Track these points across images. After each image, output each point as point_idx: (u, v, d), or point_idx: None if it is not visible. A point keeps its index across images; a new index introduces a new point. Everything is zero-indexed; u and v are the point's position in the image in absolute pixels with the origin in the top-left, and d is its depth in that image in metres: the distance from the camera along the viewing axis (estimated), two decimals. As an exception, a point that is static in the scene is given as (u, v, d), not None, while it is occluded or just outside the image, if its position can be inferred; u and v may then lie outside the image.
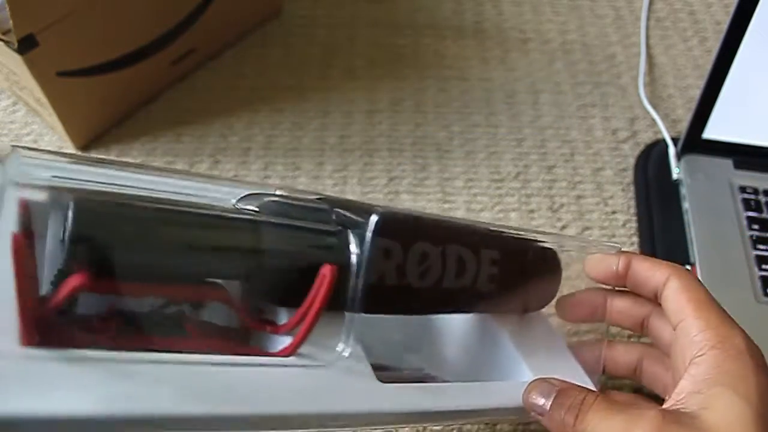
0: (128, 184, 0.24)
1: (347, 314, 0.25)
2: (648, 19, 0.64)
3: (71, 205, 0.20)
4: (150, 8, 0.49)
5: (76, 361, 0.19)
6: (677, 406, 0.25)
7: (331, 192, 0.49)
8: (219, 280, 0.24)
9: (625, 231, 0.48)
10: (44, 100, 0.47)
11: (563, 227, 0.48)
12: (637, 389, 0.38)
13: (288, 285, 0.25)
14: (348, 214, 0.26)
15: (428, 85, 0.58)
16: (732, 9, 0.43)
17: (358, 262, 0.24)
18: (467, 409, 0.27)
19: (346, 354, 0.24)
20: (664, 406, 0.26)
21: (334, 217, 0.26)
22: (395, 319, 0.30)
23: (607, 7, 0.66)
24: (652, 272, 0.30)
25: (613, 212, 0.49)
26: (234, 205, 0.26)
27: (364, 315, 0.24)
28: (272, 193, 0.27)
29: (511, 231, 0.31)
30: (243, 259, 0.24)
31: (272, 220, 0.25)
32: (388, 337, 0.32)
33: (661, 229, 0.46)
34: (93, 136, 0.52)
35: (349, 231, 0.25)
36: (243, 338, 0.25)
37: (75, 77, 0.47)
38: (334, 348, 0.24)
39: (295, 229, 0.25)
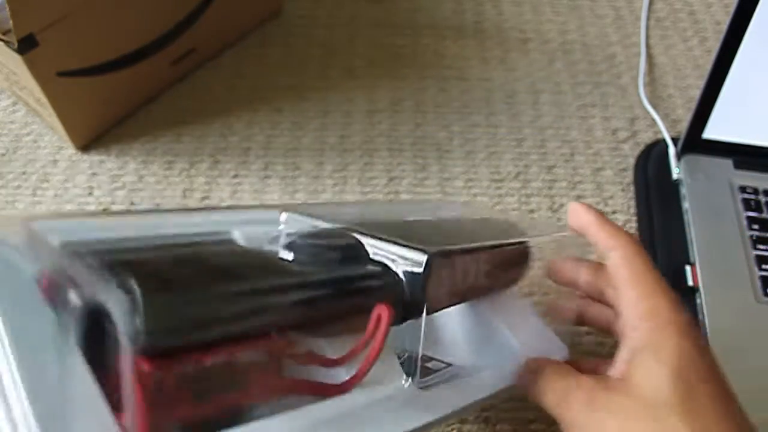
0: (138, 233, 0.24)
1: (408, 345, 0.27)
2: (648, 19, 0.64)
3: (138, 293, 0.18)
4: (150, 8, 0.49)
5: None
6: (613, 373, 0.28)
7: (331, 192, 0.49)
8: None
9: (625, 231, 0.48)
10: (44, 100, 0.47)
11: (563, 227, 0.48)
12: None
13: (336, 321, 0.26)
14: (385, 249, 0.27)
15: (428, 85, 0.58)
16: (732, 9, 0.43)
17: (412, 298, 0.26)
18: (490, 394, 0.30)
19: (406, 385, 0.26)
20: (608, 373, 0.28)
21: (366, 252, 0.27)
22: None
23: (607, 7, 0.66)
24: (603, 244, 0.31)
25: (613, 212, 0.49)
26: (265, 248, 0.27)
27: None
28: (298, 234, 0.27)
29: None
30: (295, 306, 0.24)
31: (317, 273, 0.25)
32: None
33: (661, 229, 0.46)
34: (93, 136, 0.52)
35: (398, 271, 0.27)
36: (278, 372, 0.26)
37: (75, 77, 0.47)
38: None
39: (342, 279, 0.26)
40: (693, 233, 0.44)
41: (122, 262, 0.19)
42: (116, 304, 0.18)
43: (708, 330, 0.39)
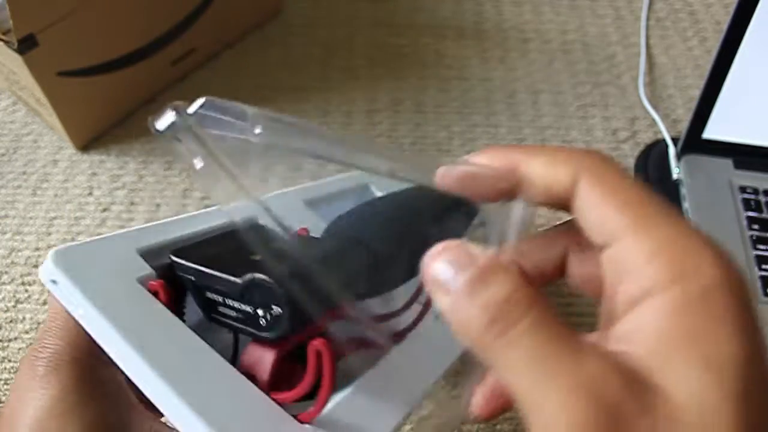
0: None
1: None
2: (648, 19, 0.64)
3: (271, 284, 0.21)
4: (150, 8, 0.49)
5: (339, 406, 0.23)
6: (627, 363, 0.16)
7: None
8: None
9: (625, 231, 0.48)
10: (44, 100, 0.47)
11: (563, 227, 0.48)
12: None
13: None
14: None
15: (428, 85, 0.58)
16: (732, 9, 0.43)
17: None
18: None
19: None
20: (604, 351, 0.16)
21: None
22: None
23: (607, 7, 0.66)
24: (552, 175, 0.19)
25: (613, 212, 0.49)
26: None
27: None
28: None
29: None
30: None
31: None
32: None
33: (661, 229, 0.46)
34: (93, 136, 0.52)
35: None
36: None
37: (75, 77, 0.47)
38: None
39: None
40: (693, 233, 0.44)
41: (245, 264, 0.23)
42: (248, 301, 0.22)
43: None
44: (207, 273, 0.23)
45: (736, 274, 0.16)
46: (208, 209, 0.29)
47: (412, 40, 0.61)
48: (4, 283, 0.44)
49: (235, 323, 0.23)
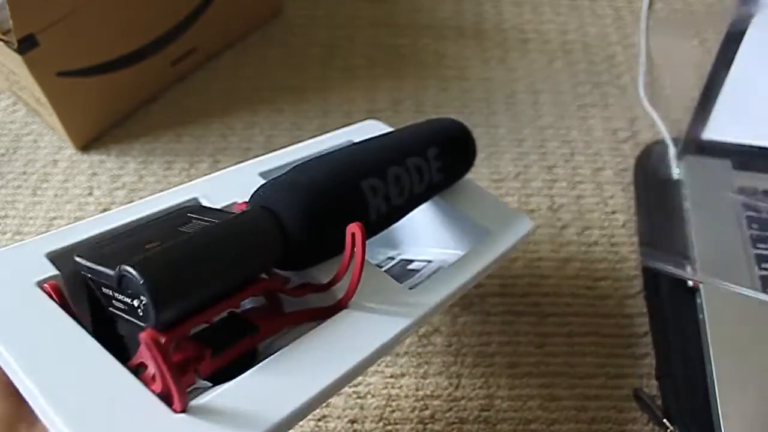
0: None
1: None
2: (648, 19, 0.64)
3: (134, 270, 0.21)
4: (150, 8, 0.49)
5: (229, 391, 0.22)
6: None
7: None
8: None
9: (625, 231, 0.48)
10: (44, 100, 0.47)
11: (563, 227, 0.48)
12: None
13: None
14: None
15: (428, 85, 0.58)
16: (732, 9, 0.43)
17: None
18: (472, 276, 0.31)
19: (394, 289, 0.29)
20: None
21: None
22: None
23: (607, 7, 0.66)
24: None
25: (613, 212, 0.49)
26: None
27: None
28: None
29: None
30: (266, 247, 0.26)
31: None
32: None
33: (661, 229, 0.46)
34: (93, 136, 0.52)
35: None
36: (280, 308, 0.28)
37: (75, 77, 0.47)
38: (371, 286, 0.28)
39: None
40: (693, 233, 0.44)
41: (115, 257, 0.23)
42: (125, 292, 0.22)
43: (708, 330, 0.39)
44: (94, 269, 0.23)
45: None
46: (133, 203, 0.29)
47: (412, 40, 0.61)
48: (4, 283, 0.44)
49: (125, 315, 0.23)
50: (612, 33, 0.63)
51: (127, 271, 0.21)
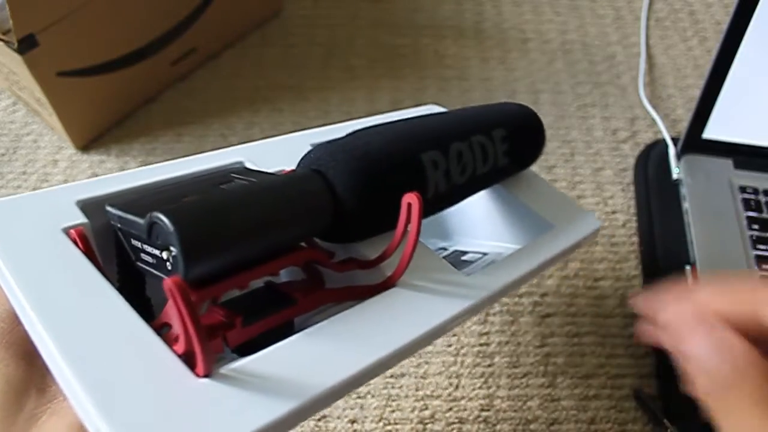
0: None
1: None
2: (648, 19, 0.64)
3: (165, 217, 0.19)
4: (150, 8, 0.49)
5: (261, 359, 0.20)
6: None
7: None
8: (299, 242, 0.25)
9: (625, 231, 0.48)
10: (44, 100, 0.47)
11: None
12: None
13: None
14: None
15: (428, 85, 0.58)
16: (732, 9, 0.43)
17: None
18: (531, 270, 0.29)
19: (448, 275, 0.26)
20: None
21: None
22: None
23: (607, 7, 0.66)
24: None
25: (613, 212, 0.49)
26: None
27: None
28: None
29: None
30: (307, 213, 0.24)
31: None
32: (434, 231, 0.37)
33: (661, 229, 0.46)
34: (93, 136, 0.52)
35: None
36: (321, 283, 0.26)
37: (75, 77, 0.47)
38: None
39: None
40: (693, 233, 0.44)
41: (149, 206, 0.21)
42: (154, 243, 0.20)
43: (708, 330, 0.39)
44: (124, 217, 0.22)
45: None
46: (176, 160, 0.27)
47: (412, 40, 0.61)
48: (4, 283, 0.44)
49: (152, 270, 0.21)
50: (612, 33, 0.63)
51: (158, 218, 0.19)
